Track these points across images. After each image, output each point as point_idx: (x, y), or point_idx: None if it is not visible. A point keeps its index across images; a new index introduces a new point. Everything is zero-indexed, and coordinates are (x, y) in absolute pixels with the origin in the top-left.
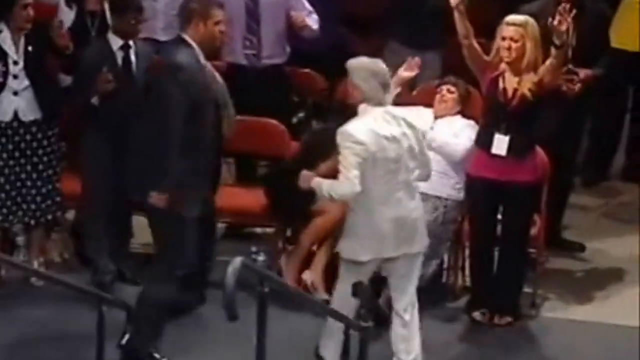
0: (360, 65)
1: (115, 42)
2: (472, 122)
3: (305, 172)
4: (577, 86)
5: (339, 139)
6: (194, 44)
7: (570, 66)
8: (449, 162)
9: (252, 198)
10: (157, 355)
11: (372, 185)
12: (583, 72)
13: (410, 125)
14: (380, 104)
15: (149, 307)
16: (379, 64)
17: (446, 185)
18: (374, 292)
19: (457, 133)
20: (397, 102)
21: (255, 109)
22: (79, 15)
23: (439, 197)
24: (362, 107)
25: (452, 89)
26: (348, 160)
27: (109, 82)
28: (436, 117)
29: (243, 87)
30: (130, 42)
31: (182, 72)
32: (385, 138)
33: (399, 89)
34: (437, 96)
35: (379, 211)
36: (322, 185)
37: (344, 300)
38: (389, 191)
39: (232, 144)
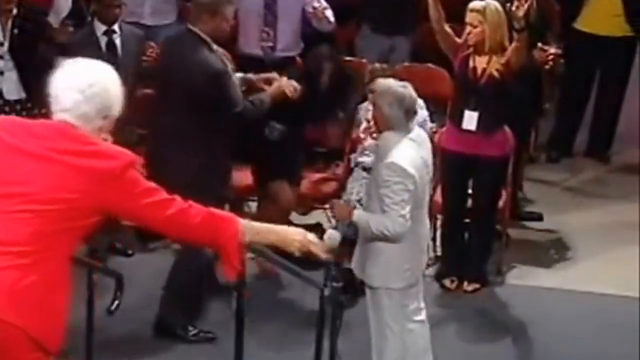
0: (386, 90)
1: (99, 28)
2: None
3: (340, 203)
4: (551, 61)
5: (387, 172)
6: (207, 39)
7: (540, 44)
8: None
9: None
10: (191, 329)
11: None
12: (552, 49)
13: (428, 143)
14: (405, 132)
15: (181, 274)
16: (408, 89)
17: None
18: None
19: None
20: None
21: None
22: (75, 2)
23: None
24: (387, 135)
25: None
26: (400, 197)
27: None
28: None
29: None
30: (115, 27)
31: (222, 78)
32: (422, 163)
33: None
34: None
35: (411, 238)
36: (369, 221)
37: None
38: (419, 216)
39: None
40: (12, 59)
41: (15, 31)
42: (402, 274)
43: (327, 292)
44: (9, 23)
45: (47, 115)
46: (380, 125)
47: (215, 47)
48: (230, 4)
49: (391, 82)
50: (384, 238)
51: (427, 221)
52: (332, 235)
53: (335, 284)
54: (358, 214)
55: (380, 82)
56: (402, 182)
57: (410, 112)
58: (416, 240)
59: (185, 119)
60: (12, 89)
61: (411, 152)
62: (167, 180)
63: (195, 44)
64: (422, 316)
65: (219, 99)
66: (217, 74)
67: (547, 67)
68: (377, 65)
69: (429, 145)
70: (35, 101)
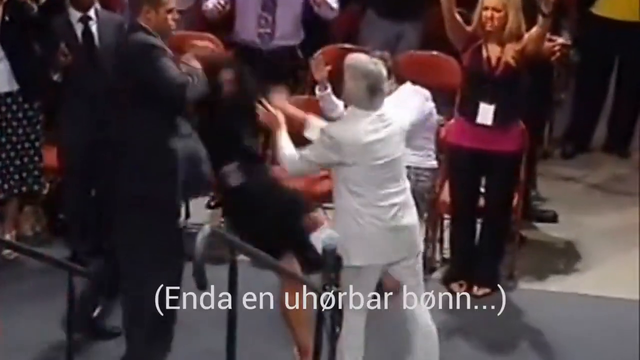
0: (352, 64)
1: (74, 15)
2: (420, 88)
3: (271, 112)
4: (558, 52)
5: (319, 133)
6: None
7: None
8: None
9: None
10: None
11: (358, 190)
12: (560, 39)
13: (394, 117)
14: (367, 108)
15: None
16: (377, 66)
17: (408, 153)
18: None
19: (401, 102)
20: None
21: (265, 88)
22: None
23: (406, 167)
24: (349, 110)
25: None
26: (315, 151)
27: (66, 57)
28: None
29: (253, 68)
30: (91, 13)
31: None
32: (378, 140)
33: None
34: None
35: (369, 216)
36: (280, 139)
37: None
38: (378, 197)
39: None
40: (2, 48)
41: (7, 18)
42: (361, 251)
43: (324, 295)
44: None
45: (39, 109)
46: (345, 100)
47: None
48: None
49: (361, 57)
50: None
51: (390, 206)
52: (331, 235)
53: (334, 288)
54: (280, 134)
55: (351, 56)
56: (324, 142)
57: (375, 90)
58: (377, 220)
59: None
60: (3, 81)
61: (357, 127)
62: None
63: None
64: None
65: (156, 76)
66: (149, 46)
67: (554, 58)
68: (378, 53)
69: (395, 128)
70: (27, 94)
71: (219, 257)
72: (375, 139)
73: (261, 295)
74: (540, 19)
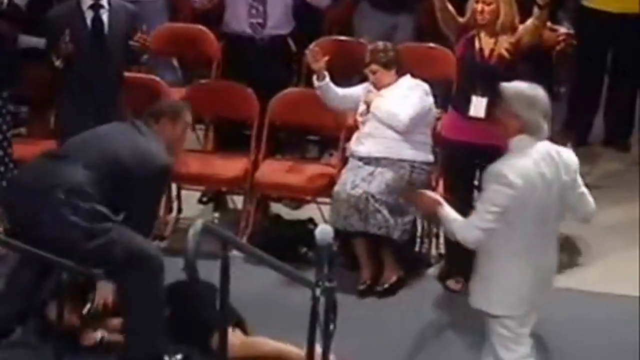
0: (521, 93)
1: (85, 2)
2: (420, 82)
3: (430, 194)
4: (562, 42)
5: (489, 177)
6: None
7: (549, 24)
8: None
9: (228, 165)
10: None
11: (515, 233)
12: (563, 29)
13: (567, 163)
14: (541, 138)
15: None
16: (540, 91)
17: (405, 147)
18: None
19: (401, 97)
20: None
21: (257, 80)
22: None
23: (401, 160)
24: (518, 140)
25: (374, 67)
26: (489, 208)
27: (67, 44)
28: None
29: (245, 58)
30: (103, 1)
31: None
32: (541, 180)
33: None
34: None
35: (521, 263)
36: (449, 221)
37: None
38: (535, 240)
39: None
40: None
41: None
42: (505, 300)
43: (318, 292)
44: None
45: (7, 99)
46: (511, 131)
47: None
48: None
49: (520, 85)
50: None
51: (552, 250)
52: (324, 230)
53: (328, 284)
54: (444, 211)
55: (507, 87)
56: (500, 190)
57: (546, 115)
58: (528, 266)
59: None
60: None
61: (527, 160)
62: None
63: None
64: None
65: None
66: (162, 168)
67: (558, 48)
68: (380, 43)
69: (558, 164)
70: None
71: (211, 253)
72: (546, 172)
73: (254, 291)
74: (535, 10)
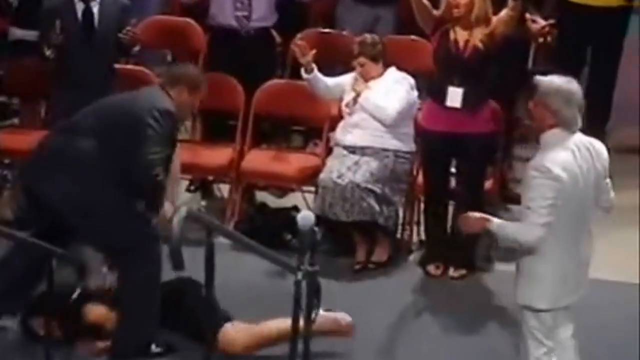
0: (557, 88)
1: None
2: (406, 75)
3: (474, 215)
4: (541, 29)
5: (534, 173)
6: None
7: (528, 15)
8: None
9: (215, 154)
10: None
11: (559, 226)
12: (540, 20)
13: (599, 153)
14: (575, 130)
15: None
16: (575, 85)
17: (389, 138)
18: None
19: (389, 91)
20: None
21: (242, 72)
22: None
23: (385, 150)
24: (552, 134)
25: (363, 60)
26: (542, 202)
27: (57, 36)
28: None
29: (231, 50)
30: None
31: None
32: (580, 172)
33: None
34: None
35: (564, 256)
36: (505, 229)
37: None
38: (576, 232)
39: None
40: None
41: None
42: (550, 293)
43: (300, 276)
44: None
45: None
46: (546, 124)
47: None
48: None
49: (556, 80)
50: (519, 247)
51: (588, 241)
52: (306, 216)
53: (310, 268)
54: (495, 223)
55: (544, 82)
56: (547, 184)
57: (581, 108)
58: (570, 259)
59: None
60: None
61: (567, 153)
62: None
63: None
64: (571, 342)
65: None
66: (166, 111)
67: (541, 39)
68: (368, 36)
69: (592, 156)
70: None
71: (197, 240)
72: (583, 165)
73: (240, 278)
74: (510, 1)
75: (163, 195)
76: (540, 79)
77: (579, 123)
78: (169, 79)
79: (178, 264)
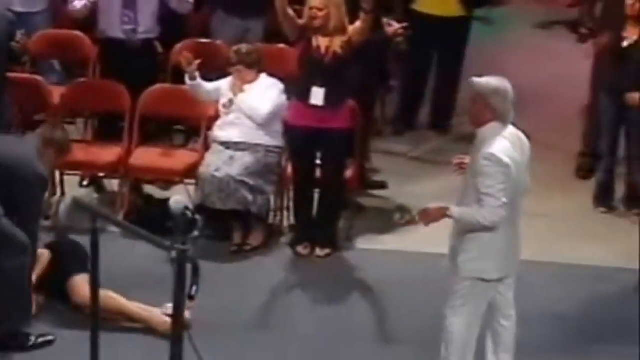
0: (496, 87)
1: None
2: (276, 81)
3: (432, 207)
4: (395, 31)
5: (485, 162)
6: None
7: (386, 20)
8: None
9: (105, 152)
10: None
11: (507, 206)
12: (395, 23)
13: (525, 143)
14: (509, 123)
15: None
16: (507, 83)
17: (261, 134)
18: None
19: (262, 94)
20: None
21: (129, 78)
22: None
23: (257, 145)
24: (491, 127)
25: (240, 67)
26: (498, 187)
27: None
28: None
29: (119, 59)
30: None
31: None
32: (517, 159)
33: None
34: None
35: (509, 231)
36: (467, 215)
37: (468, 324)
38: (517, 211)
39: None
40: None
41: None
42: (500, 264)
43: (173, 254)
44: None
45: None
46: (485, 120)
47: None
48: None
49: (491, 80)
50: (481, 228)
51: (517, 225)
52: (177, 200)
53: (182, 247)
54: (454, 210)
55: (481, 82)
56: (500, 171)
57: (513, 103)
58: (511, 235)
59: None
60: None
61: (507, 144)
62: None
63: None
64: (513, 311)
65: None
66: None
67: (397, 40)
68: (243, 46)
69: (521, 145)
70: None
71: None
72: (517, 154)
73: (128, 263)
74: (362, 14)
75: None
76: (477, 80)
77: (512, 116)
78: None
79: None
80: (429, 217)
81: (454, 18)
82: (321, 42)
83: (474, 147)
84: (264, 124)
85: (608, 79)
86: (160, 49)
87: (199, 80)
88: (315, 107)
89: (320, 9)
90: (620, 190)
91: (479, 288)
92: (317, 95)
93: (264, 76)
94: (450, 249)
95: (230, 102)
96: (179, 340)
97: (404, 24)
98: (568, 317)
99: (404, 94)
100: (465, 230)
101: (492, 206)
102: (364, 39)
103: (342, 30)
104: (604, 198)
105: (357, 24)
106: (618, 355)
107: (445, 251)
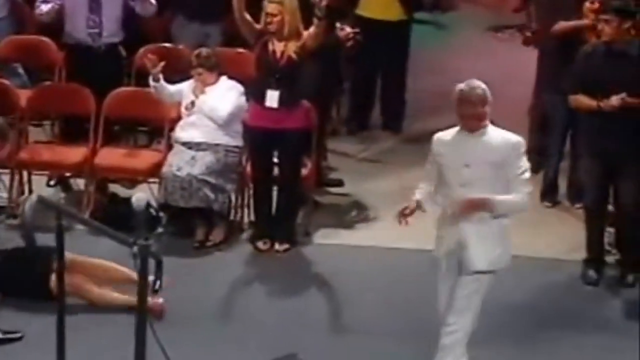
0: (486, 88)
1: None
2: (236, 84)
3: (476, 198)
4: (347, 35)
5: (518, 147)
6: None
7: (339, 24)
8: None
9: (71, 153)
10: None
11: None
12: (348, 28)
13: None
14: None
15: None
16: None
17: (221, 134)
18: None
19: (222, 96)
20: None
21: (94, 81)
22: None
23: (217, 145)
24: (492, 128)
25: (200, 70)
26: (527, 175)
27: None
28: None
29: (84, 63)
30: None
31: None
32: None
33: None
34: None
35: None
36: (509, 202)
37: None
38: None
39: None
40: None
41: None
42: (506, 254)
43: (135, 249)
44: None
45: None
46: (486, 120)
47: None
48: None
49: (480, 83)
50: (516, 212)
51: None
52: (138, 197)
53: (144, 242)
54: (496, 200)
55: (480, 85)
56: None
57: None
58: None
59: None
60: None
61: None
62: None
63: None
64: None
65: None
66: None
67: (349, 43)
68: (204, 50)
69: None
70: None
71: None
72: None
73: None
74: (315, 20)
75: None
76: (478, 84)
77: None
78: None
79: (30, 243)
80: (474, 206)
81: (395, 22)
82: (276, 46)
83: (476, 147)
84: (224, 125)
85: (554, 80)
86: (124, 53)
87: (162, 82)
88: (271, 108)
89: (274, 15)
90: (563, 186)
91: (490, 281)
92: (272, 98)
93: (224, 79)
94: (454, 244)
95: (192, 103)
96: (143, 332)
97: (356, 29)
98: (518, 306)
99: (354, 95)
100: (482, 219)
101: (529, 188)
102: (318, 44)
103: (296, 35)
104: (551, 194)
105: (311, 29)
106: (565, 341)
107: (400, 245)
